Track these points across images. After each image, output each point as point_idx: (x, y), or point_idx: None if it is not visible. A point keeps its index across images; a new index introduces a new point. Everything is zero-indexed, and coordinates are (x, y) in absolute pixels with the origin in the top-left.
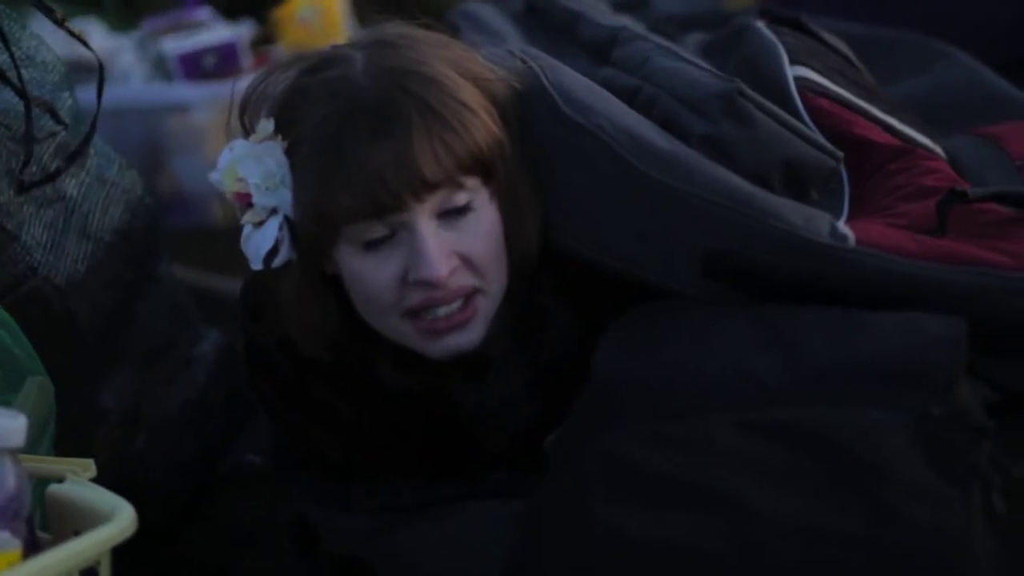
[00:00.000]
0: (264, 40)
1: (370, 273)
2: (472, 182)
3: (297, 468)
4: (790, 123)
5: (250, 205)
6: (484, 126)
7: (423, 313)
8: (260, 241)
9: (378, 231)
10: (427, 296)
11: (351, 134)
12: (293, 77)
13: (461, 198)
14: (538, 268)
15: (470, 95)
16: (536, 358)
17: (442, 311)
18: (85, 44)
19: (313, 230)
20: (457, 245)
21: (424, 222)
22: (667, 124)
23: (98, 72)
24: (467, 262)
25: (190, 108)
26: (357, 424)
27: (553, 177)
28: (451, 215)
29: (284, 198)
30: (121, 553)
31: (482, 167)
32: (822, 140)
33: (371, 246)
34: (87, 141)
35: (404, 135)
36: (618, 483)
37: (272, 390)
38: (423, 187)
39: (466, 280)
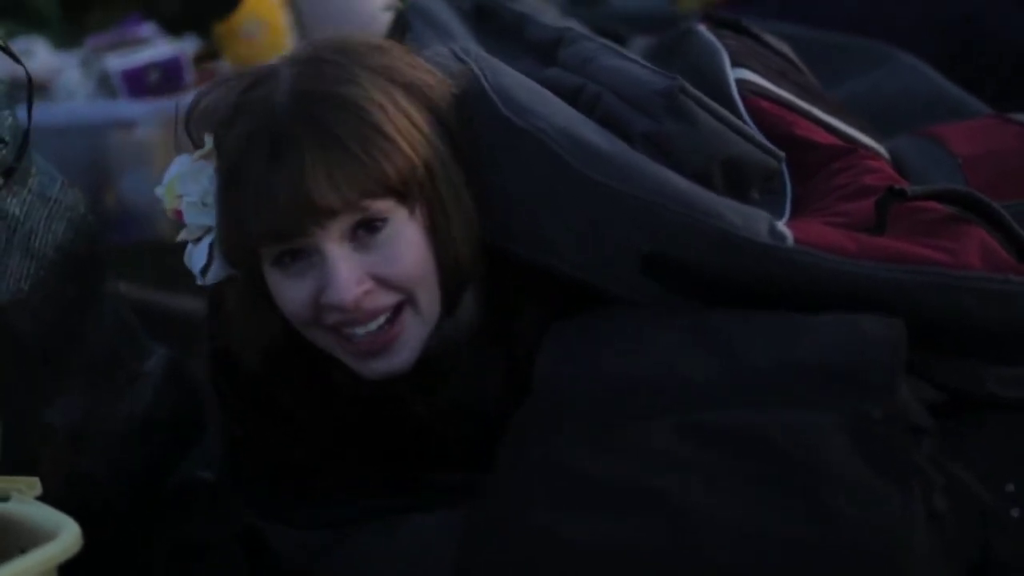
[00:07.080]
0: (208, 55)
1: (286, 292)
2: (383, 205)
3: (249, 481)
4: (732, 122)
5: None
6: (398, 152)
7: (343, 330)
8: (197, 258)
9: (290, 253)
10: (342, 317)
11: (253, 158)
12: (235, 93)
13: (373, 221)
14: (507, 268)
15: (391, 117)
16: (511, 353)
17: (360, 331)
18: (14, 57)
19: (233, 250)
20: (372, 267)
21: (332, 246)
22: (610, 122)
23: (27, 85)
24: (383, 283)
25: (134, 124)
26: (315, 430)
27: (495, 180)
28: (364, 237)
29: (215, 218)
30: (69, 571)
31: (394, 192)
32: (764, 140)
33: (285, 267)
34: (21, 155)
35: (297, 163)
36: (559, 489)
37: (232, 390)
38: (319, 214)
39: (385, 300)
